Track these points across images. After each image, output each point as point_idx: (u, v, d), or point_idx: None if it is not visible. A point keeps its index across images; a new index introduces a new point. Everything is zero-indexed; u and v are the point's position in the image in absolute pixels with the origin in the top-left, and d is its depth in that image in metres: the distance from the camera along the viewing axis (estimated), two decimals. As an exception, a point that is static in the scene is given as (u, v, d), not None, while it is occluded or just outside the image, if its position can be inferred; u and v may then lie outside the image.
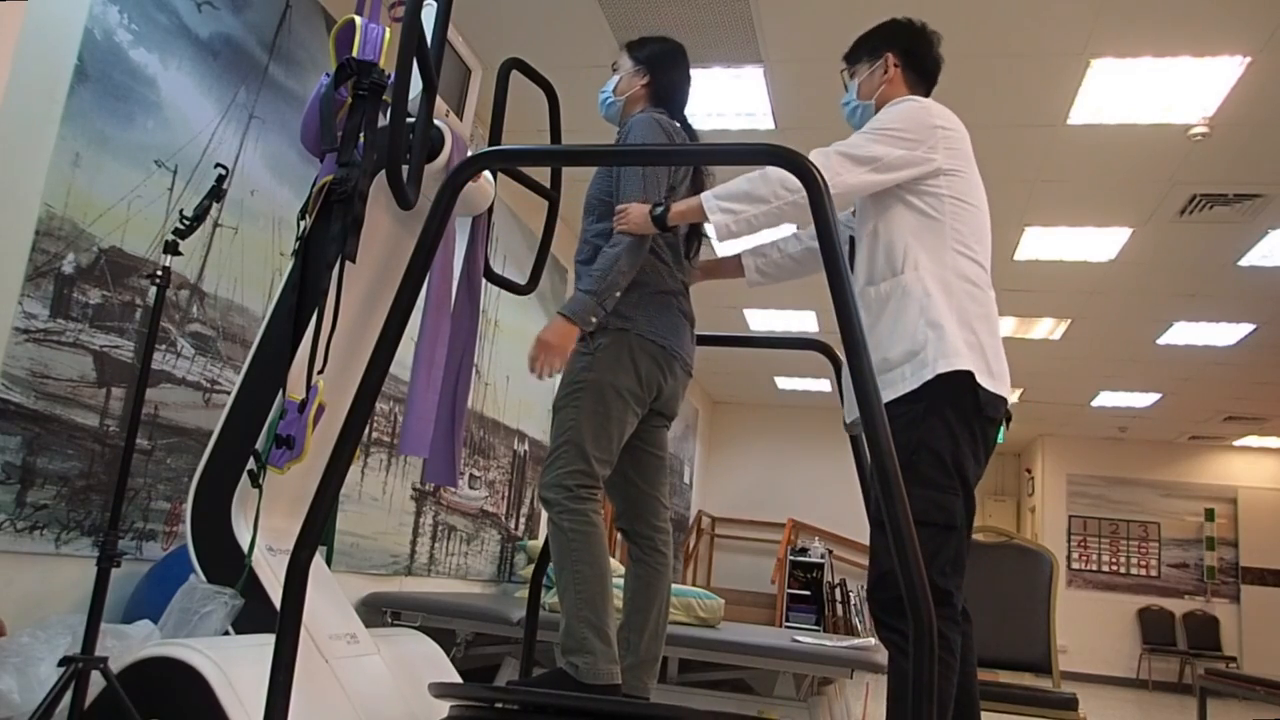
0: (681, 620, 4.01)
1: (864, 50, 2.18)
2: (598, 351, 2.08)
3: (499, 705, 1.83)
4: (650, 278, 2.16)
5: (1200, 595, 10.78)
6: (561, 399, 2.10)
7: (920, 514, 1.62)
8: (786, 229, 2.19)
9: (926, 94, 2.14)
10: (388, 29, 2.21)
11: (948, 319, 1.87)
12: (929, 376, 1.83)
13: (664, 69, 2.33)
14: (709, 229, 2.07)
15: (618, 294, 2.05)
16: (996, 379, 1.90)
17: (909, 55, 2.13)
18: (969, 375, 1.85)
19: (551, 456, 2.06)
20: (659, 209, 2.03)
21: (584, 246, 2.22)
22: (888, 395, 1.84)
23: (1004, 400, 1.92)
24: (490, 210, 2.49)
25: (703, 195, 1.98)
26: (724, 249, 2.17)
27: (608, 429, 2.07)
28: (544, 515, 5.83)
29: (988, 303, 1.96)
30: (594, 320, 2.03)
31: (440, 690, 1.84)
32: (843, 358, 1.99)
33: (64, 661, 1.70)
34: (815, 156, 1.84)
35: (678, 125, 2.28)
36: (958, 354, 1.85)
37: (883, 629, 1.87)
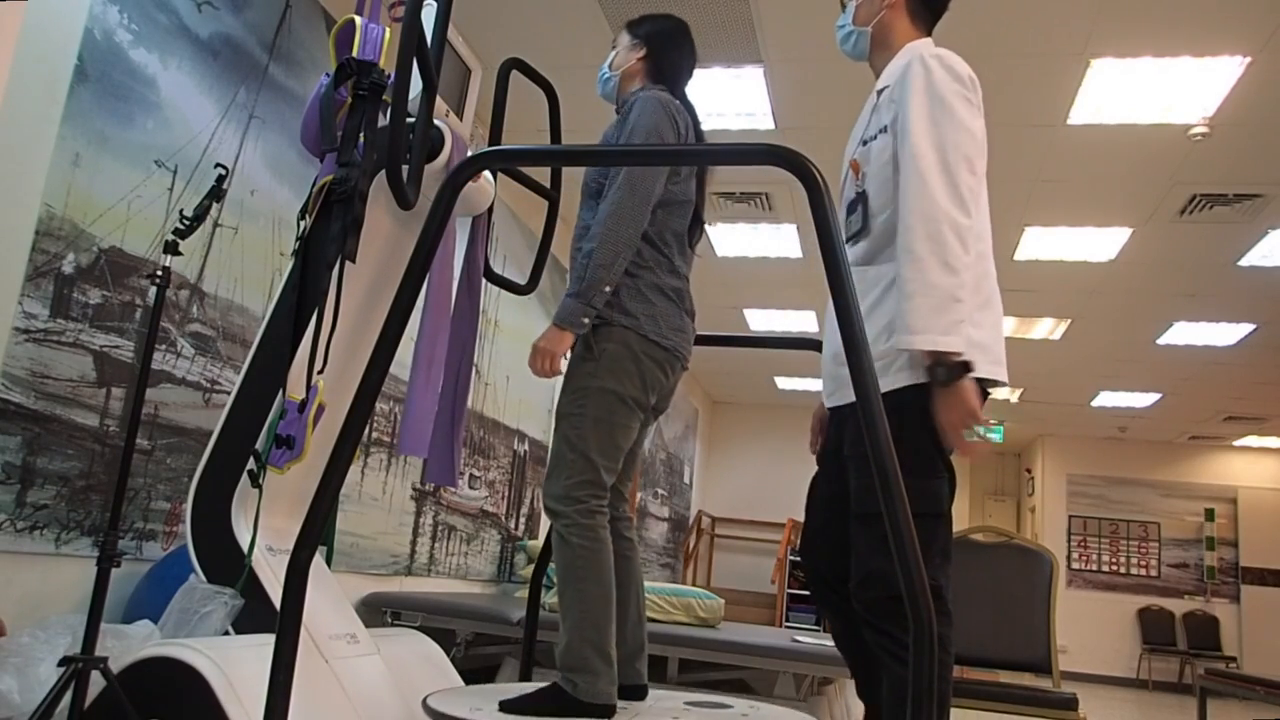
0: (681, 620, 4.01)
1: None
2: (602, 357, 2.03)
3: None
4: (653, 271, 2.10)
5: (1200, 595, 10.78)
6: (565, 405, 2.06)
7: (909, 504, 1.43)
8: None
9: (929, 31, 1.97)
10: (388, 29, 2.21)
11: None
12: (917, 380, 1.72)
13: (664, 46, 2.26)
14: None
15: (607, 289, 1.99)
16: (993, 363, 1.78)
17: None
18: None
19: (557, 466, 2.00)
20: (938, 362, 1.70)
21: (582, 233, 2.16)
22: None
23: (993, 382, 1.80)
24: (490, 210, 2.49)
25: (946, 341, 1.66)
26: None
27: (614, 437, 2.02)
28: (544, 516, 5.83)
29: (991, 278, 1.84)
30: (586, 321, 1.99)
31: (433, 714, 1.83)
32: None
33: (64, 661, 1.70)
34: (925, 233, 1.67)
35: (679, 105, 2.19)
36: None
37: (870, 631, 1.75)
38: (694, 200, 2.24)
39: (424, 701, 1.89)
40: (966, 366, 1.66)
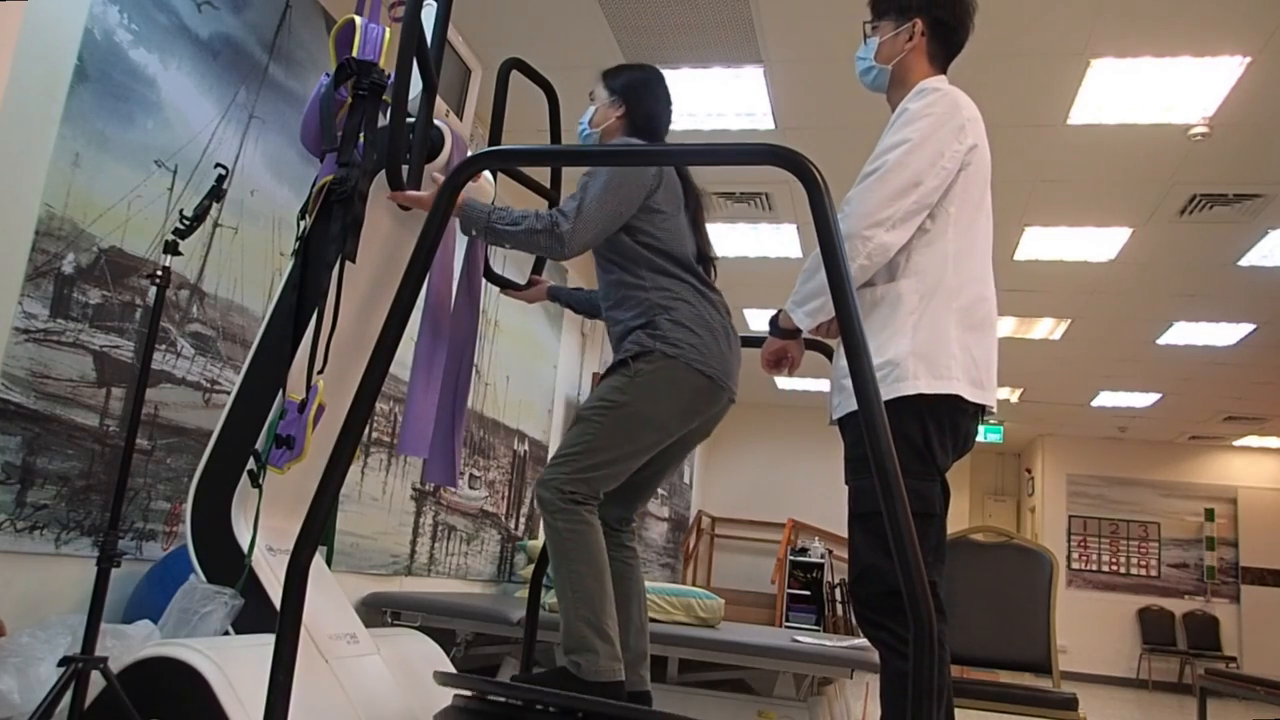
0: (681, 620, 4.01)
1: (893, 5, 2.04)
2: (637, 376, 2.00)
3: (501, 699, 1.82)
4: (689, 303, 2.08)
5: (1200, 595, 10.78)
6: (586, 410, 2.03)
7: None
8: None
9: (945, 67, 2.06)
10: (388, 29, 2.21)
11: (944, 330, 1.84)
12: (909, 392, 1.80)
13: (640, 98, 2.25)
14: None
15: (502, 243, 2.01)
16: (983, 390, 1.88)
17: (939, 25, 2.01)
18: (955, 396, 1.82)
19: (561, 459, 1.99)
20: (779, 315, 1.99)
21: (605, 288, 2.16)
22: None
23: (983, 406, 1.90)
24: (490, 210, 2.49)
25: (789, 309, 1.93)
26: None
27: (624, 451, 2.01)
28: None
29: (987, 305, 1.93)
30: (473, 232, 2.01)
31: (444, 679, 1.84)
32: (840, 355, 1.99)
33: (64, 661, 1.70)
34: (854, 221, 1.82)
35: None
36: (944, 376, 1.82)
37: (868, 626, 1.82)
38: (692, 239, 2.23)
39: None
40: (792, 334, 1.99)
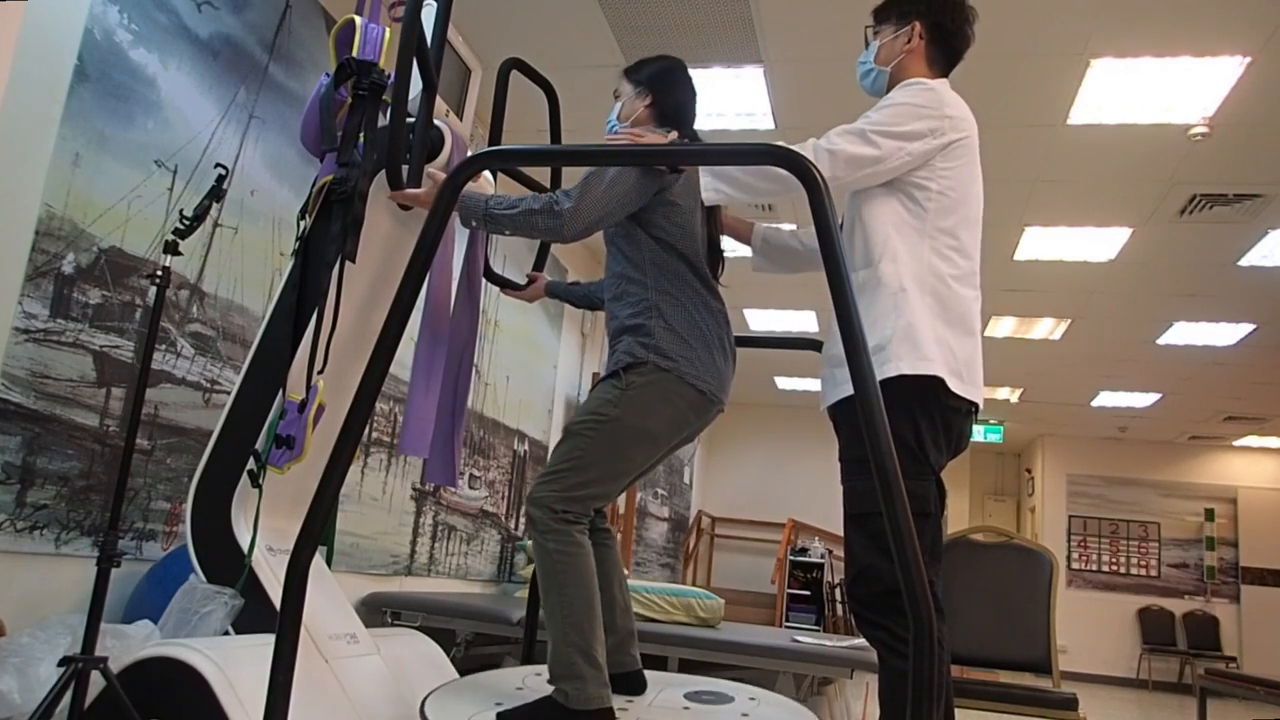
0: (681, 620, 4.01)
1: (894, 10, 2.08)
2: (630, 389, 1.96)
3: None
4: (685, 310, 2.05)
5: (1200, 595, 10.78)
6: (577, 424, 1.99)
7: None
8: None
9: (946, 73, 2.07)
10: (388, 29, 2.21)
11: (920, 318, 1.84)
12: (892, 374, 1.80)
13: (666, 88, 2.21)
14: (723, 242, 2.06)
15: (502, 229, 1.97)
16: (966, 384, 1.87)
17: (937, 29, 2.03)
18: (937, 380, 1.82)
19: (551, 476, 1.94)
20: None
21: (609, 279, 2.14)
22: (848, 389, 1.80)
23: (972, 402, 1.89)
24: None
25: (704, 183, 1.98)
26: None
27: (616, 469, 1.97)
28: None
29: (965, 303, 1.92)
30: (473, 224, 1.98)
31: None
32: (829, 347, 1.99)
33: (64, 661, 1.70)
34: (813, 151, 1.83)
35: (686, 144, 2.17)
36: (926, 358, 1.82)
37: (865, 625, 1.82)
38: (704, 233, 2.21)
39: (421, 709, 1.87)
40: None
